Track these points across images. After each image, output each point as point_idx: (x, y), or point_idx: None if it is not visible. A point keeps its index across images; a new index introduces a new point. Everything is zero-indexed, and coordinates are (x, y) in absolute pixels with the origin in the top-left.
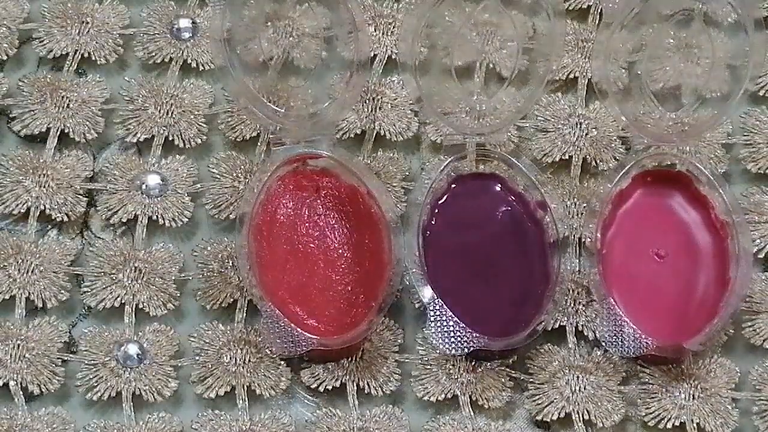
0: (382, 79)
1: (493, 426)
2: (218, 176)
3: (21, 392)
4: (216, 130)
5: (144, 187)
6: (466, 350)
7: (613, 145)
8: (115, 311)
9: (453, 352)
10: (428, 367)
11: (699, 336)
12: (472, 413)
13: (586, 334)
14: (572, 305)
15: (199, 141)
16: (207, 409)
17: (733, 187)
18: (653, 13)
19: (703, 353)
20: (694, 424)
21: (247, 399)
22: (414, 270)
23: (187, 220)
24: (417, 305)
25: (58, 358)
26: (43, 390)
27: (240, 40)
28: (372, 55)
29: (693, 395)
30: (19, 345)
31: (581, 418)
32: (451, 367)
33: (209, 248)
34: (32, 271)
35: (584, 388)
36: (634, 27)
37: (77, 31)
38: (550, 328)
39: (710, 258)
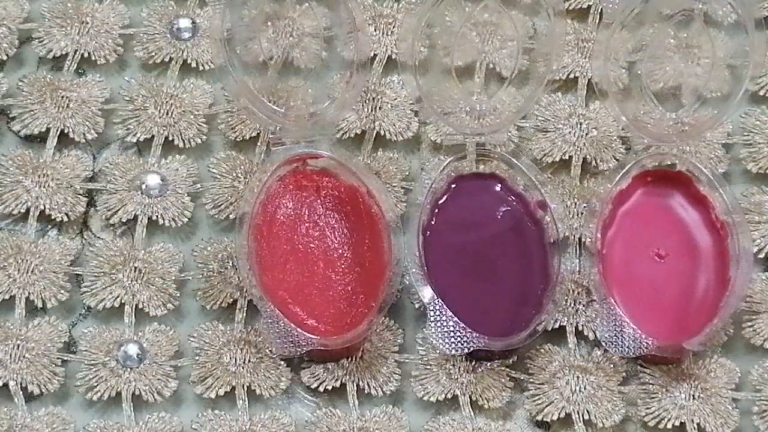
0: (382, 79)
1: (493, 426)
2: (218, 176)
3: (21, 392)
4: (216, 130)
5: (144, 187)
6: (466, 350)
7: (613, 145)
8: (114, 311)
9: (453, 352)
10: (428, 367)
11: (699, 336)
12: (472, 413)
13: (586, 334)
14: (572, 305)
15: (199, 141)
16: (207, 409)
17: (733, 187)
18: (653, 13)
19: (703, 353)
20: (694, 424)
21: (247, 399)
22: (414, 270)
23: (187, 220)
24: (417, 305)
25: (58, 358)
26: (43, 390)
27: (240, 40)
28: (372, 55)
29: (693, 395)
30: (19, 345)
31: (581, 418)
32: (451, 367)
33: (209, 248)
34: (32, 271)
35: (584, 388)
36: (634, 27)
37: (77, 31)
38: (550, 328)
39: (710, 258)
